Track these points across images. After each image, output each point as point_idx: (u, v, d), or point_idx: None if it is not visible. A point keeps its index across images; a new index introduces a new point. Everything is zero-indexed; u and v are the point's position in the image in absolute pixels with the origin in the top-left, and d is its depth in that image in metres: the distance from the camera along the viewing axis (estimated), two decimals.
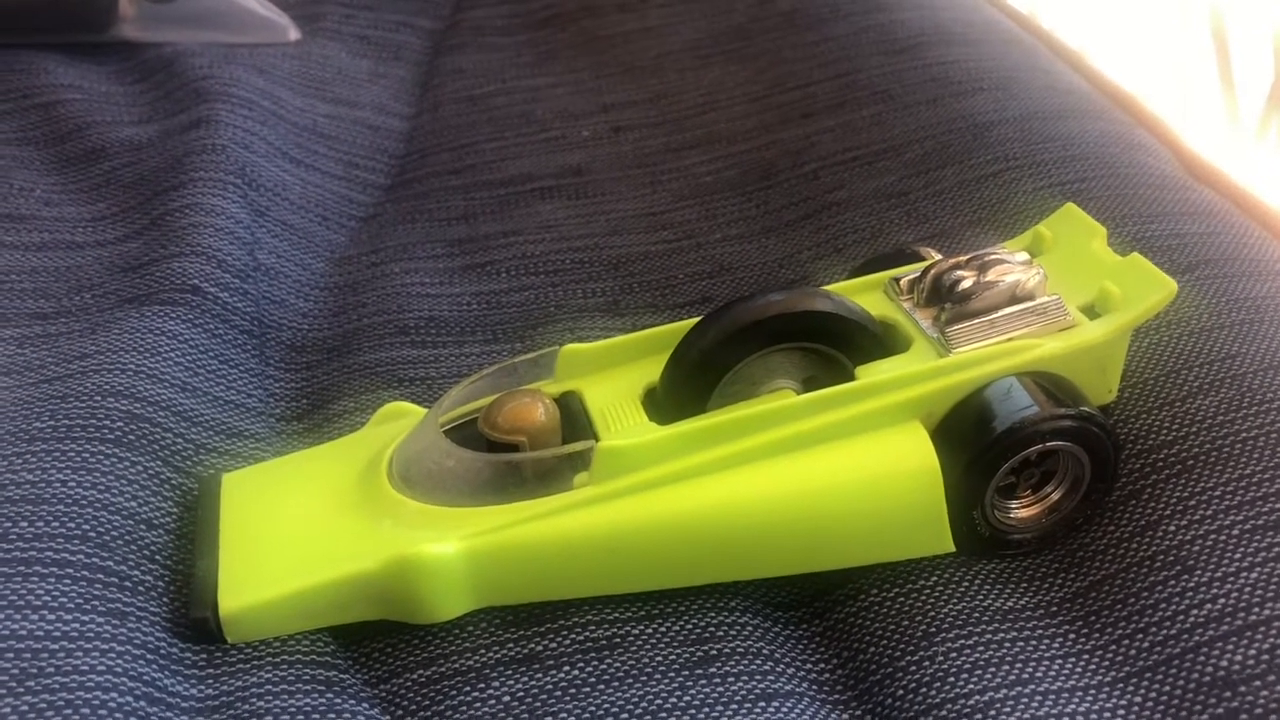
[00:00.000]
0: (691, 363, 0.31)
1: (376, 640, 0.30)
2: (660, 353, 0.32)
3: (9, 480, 0.30)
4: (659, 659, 0.29)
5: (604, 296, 0.42)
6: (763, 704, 0.28)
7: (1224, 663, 0.27)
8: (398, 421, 0.33)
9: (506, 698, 0.28)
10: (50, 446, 0.31)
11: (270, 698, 0.28)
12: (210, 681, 0.28)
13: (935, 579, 0.31)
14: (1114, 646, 0.29)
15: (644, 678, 0.29)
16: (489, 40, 0.60)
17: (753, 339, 0.31)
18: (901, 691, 0.28)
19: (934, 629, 0.29)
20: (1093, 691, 0.28)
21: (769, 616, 0.31)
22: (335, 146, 0.51)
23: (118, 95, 0.53)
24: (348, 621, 0.29)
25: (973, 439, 0.29)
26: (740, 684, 0.29)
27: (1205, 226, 0.40)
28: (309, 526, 0.30)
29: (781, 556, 0.30)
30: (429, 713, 0.28)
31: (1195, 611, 0.28)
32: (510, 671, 0.29)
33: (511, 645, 0.29)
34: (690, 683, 0.29)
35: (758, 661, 0.29)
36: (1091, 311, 0.31)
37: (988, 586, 0.30)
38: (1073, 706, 0.27)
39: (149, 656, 0.28)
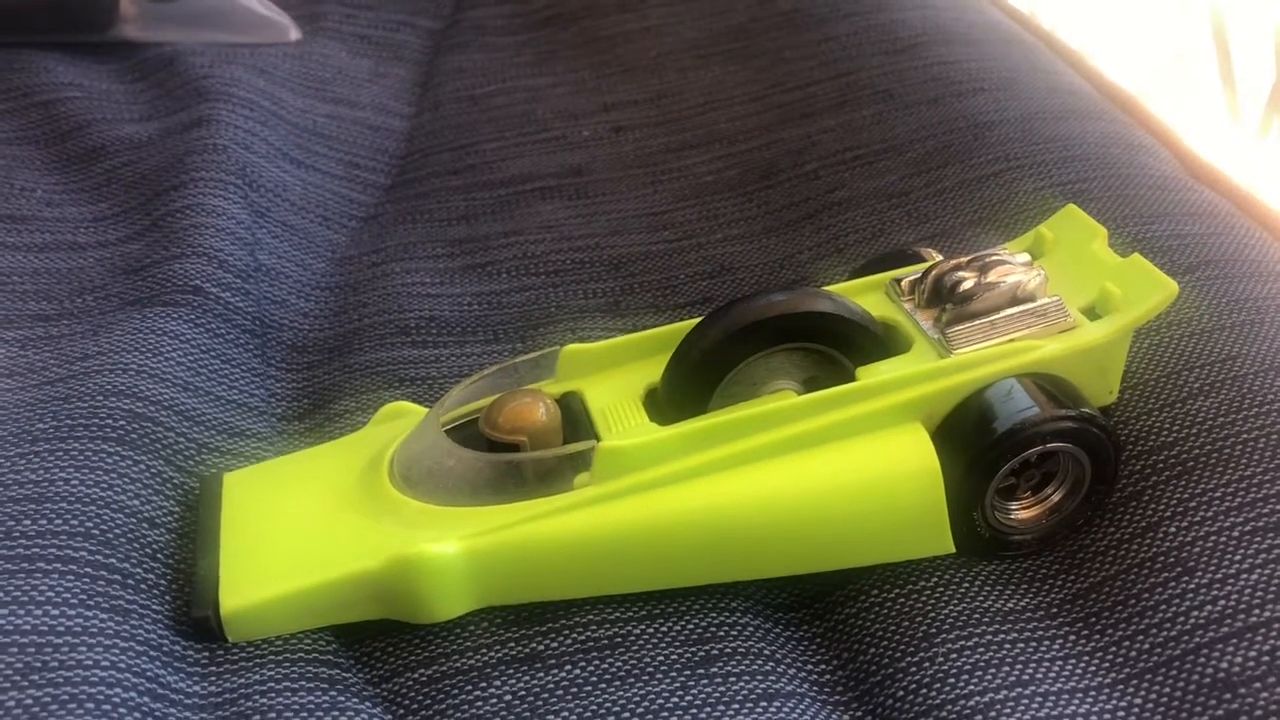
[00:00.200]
0: (692, 363, 0.31)
1: (378, 639, 0.30)
2: (661, 353, 0.32)
3: (13, 479, 0.30)
4: (660, 659, 0.29)
5: (605, 297, 0.42)
6: (763, 704, 0.28)
7: (1224, 664, 0.27)
8: (398, 421, 0.33)
9: (508, 697, 0.28)
10: (53, 446, 0.31)
11: (273, 695, 0.28)
12: (213, 678, 0.28)
13: (936, 580, 0.31)
14: (1114, 648, 0.29)
15: (645, 677, 0.29)
16: (489, 40, 0.60)
17: (754, 339, 0.31)
18: (902, 692, 0.28)
19: (935, 630, 0.29)
20: (1093, 693, 0.28)
21: (770, 617, 0.31)
22: (336, 146, 0.51)
23: (118, 94, 0.53)
24: (349, 621, 0.29)
25: (973, 440, 0.29)
26: (741, 684, 0.29)
27: (1206, 227, 0.40)
28: (310, 526, 0.30)
29: (782, 557, 0.30)
30: (430, 711, 0.28)
31: (1196, 613, 0.28)
32: (511, 670, 0.29)
33: (513, 644, 0.29)
34: (691, 682, 0.29)
35: (758, 662, 0.29)
36: (1092, 313, 0.31)
37: (988, 588, 0.30)
38: (1073, 708, 0.27)
39: (152, 653, 0.28)
